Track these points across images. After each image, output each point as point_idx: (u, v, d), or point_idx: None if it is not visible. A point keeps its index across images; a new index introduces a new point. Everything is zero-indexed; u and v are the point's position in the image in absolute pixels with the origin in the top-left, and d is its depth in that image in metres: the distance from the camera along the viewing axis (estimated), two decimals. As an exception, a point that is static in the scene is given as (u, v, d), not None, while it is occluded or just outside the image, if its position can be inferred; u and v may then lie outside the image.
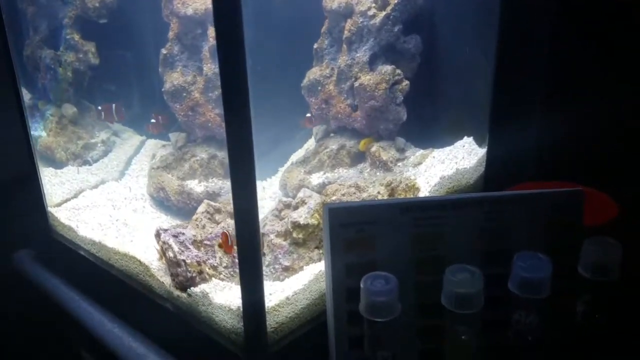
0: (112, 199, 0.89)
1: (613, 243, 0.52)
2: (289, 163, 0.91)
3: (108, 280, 0.74)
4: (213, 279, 0.63)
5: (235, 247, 0.60)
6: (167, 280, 0.69)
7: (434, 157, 0.84)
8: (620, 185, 0.71)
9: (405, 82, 0.79)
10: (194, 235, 0.65)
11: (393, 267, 0.58)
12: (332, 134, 0.86)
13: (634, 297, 0.65)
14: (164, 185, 0.83)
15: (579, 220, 0.59)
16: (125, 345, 0.68)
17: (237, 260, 0.57)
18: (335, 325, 0.58)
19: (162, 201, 0.86)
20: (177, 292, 0.67)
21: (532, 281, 0.50)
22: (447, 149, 0.85)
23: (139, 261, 0.72)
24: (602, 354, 0.55)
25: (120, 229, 0.81)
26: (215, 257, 0.64)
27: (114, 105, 0.93)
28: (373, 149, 0.82)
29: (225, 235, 0.63)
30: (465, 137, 0.86)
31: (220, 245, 0.63)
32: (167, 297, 0.69)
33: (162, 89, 0.85)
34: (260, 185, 0.90)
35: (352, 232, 0.58)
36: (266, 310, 0.60)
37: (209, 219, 0.67)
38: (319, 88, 0.82)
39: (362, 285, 0.49)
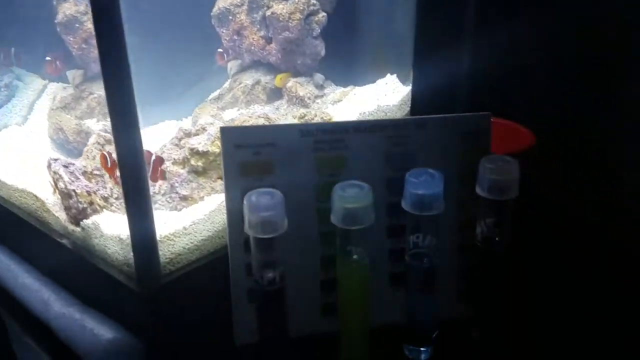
0: (13, 142, 0.84)
1: (509, 160, 0.51)
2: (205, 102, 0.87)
3: (9, 220, 0.70)
4: (104, 210, 0.59)
5: (117, 171, 0.57)
6: (62, 215, 0.64)
7: (354, 94, 0.81)
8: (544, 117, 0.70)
9: (322, 14, 0.76)
10: (84, 166, 0.61)
11: (293, 193, 0.55)
12: (247, 69, 0.82)
13: (534, 217, 0.64)
14: (62, 125, 0.79)
15: (487, 146, 0.58)
16: (19, 282, 0.64)
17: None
18: (231, 252, 0.56)
19: (63, 143, 0.82)
20: (71, 227, 0.63)
21: (424, 198, 0.48)
22: (370, 86, 0.83)
23: (36, 196, 0.68)
24: (500, 277, 0.55)
25: (19, 169, 0.76)
26: (106, 188, 0.60)
27: (12, 49, 0.88)
28: (289, 84, 0.79)
29: (103, 156, 0.59)
30: (389, 75, 0.83)
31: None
32: (63, 232, 0.64)
33: (55, 21, 0.79)
34: (175, 125, 0.86)
35: (249, 155, 0.54)
36: (160, 239, 0.56)
37: (99, 150, 0.63)
38: (230, 18, 0.78)
39: (244, 202, 0.46)
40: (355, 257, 0.49)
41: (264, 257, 0.48)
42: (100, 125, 0.76)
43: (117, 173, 0.56)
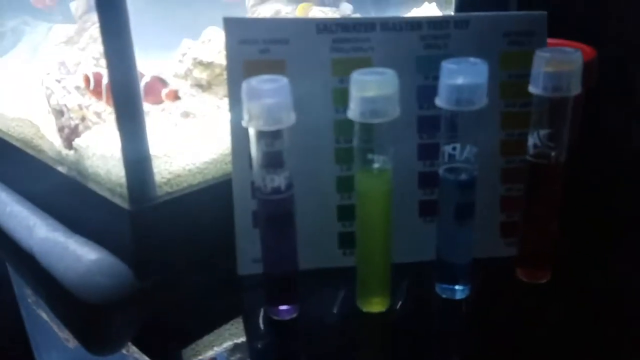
0: (16, 77, 0.79)
1: (570, 50, 0.41)
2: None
3: (6, 152, 0.65)
4: (97, 126, 0.53)
5: (103, 92, 0.50)
6: (57, 140, 0.58)
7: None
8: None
9: None
10: (78, 82, 0.54)
11: (306, 100, 0.47)
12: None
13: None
14: (64, 58, 0.72)
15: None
16: (7, 211, 0.58)
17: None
18: (235, 169, 0.48)
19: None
20: (65, 152, 0.57)
21: (462, 89, 0.39)
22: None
23: (31, 122, 0.62)
24: (553, 200, 0.45)
25: (19, 100, 0.71)
26: (99, 103, 0.53)
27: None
28: (312, 13, 0.71)
29: (86, 78, 0.52)
30: (427, 3, 0.74)
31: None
32: (58, 158, 0.58)
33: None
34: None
35: (256, 52, 0.47)
36: (155, 156, 0.49)
37: (96, 65, 0.56)
38: None
39: (243, 89, 0.38)
40: (377, 165, 0.41)
41: (267, 157, 0.39)
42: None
43: (104, 94, 0.50)
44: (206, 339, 0.45)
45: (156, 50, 0.58)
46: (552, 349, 0.42)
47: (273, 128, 0.38)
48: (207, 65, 0.52)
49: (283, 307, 0.45)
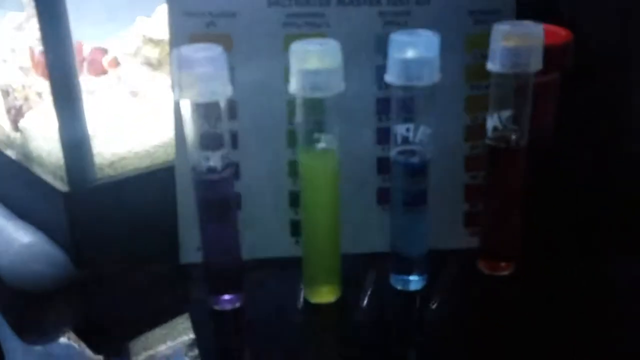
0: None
1: (530, 23, 0.38)
2: None
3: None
4: (39, 107, 0.50)
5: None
6: (7, 124, 0.56)
7: None
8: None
9: None
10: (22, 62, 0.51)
11: (256, 78, 0.44)
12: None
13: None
14: (14, 46, 0.69)
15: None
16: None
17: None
18: (178, 151, 0.45)
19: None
20: (13, 134, 0.54)
21: (411, 63, 0.36)
22: None
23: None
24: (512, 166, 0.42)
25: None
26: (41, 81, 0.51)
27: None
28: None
29: (30, 50, 0.49)
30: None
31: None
32: (7, 141, 0.56)
33: None
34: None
35: (202, 25, 0.44)
36: (98, 139, 0.46)
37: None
38: None
39: (172, 58, 0.35)
40: (322, 145, 0.38)
41: (201, 133, 0.37)
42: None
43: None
44: (157, 332, 0.42)
45: (112, 27, 0.56)
46: (505, 342, 0.39)
47: (206, 100, 0.36)
48: (157, 43, 0.50)
49: (225, 297, 0.42)
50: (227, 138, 0.38)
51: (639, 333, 0.40)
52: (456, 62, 0.46)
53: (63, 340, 0.42)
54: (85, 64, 0.47)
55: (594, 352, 0.38)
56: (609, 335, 0.39)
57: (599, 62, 0.59)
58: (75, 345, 0.41)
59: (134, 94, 0.49)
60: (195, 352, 0.40)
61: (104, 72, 0.47)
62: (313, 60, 0.35)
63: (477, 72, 0.45)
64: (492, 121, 0.41)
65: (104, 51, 0.47)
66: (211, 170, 0.38)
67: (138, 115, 0.49)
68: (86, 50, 0.48)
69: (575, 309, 0.42)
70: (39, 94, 0.49)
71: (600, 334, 0.39)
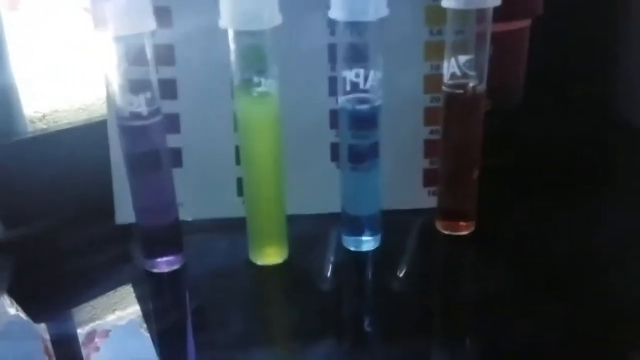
0: None
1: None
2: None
3: None
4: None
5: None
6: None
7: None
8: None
9: None
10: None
11: (197, 18, 0.41)
12: None
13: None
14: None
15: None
16: None
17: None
18: (109, 102, 0.41)
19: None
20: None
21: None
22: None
23: None
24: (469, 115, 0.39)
25: None
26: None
27: None
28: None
29: None
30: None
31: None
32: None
33: None
34: None
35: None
36: (29, 90, 0.43)
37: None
38: None
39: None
40: (261, 88, 0.34)
41: (122, 71, 0.33)
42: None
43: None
44: (103, 300, 0.39)
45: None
46: (463, 303, 0.36)
47: (125, 34, 0.32)
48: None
49: (162, 259, 0.39)
50: (155, 82, 0.34)
51: (595, 286, 0.37)
52: (415, 4, 0.42)
53: (11, 310, 0.39)
54: None
55: (553, 309, 0.35)
56: (564, 295, 0.37)
57: (573, 8, 0.56)
58: (23, 316, 0.38)
59: (70, 43, 0.45)
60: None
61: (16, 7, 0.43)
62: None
63: (437, 15, 0.42)
64: (449, 67, 0.37)
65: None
66: (136, 116, 0.34)
67: (74, 64, 0.45)
68: None
69: (533, 268, 0.39)
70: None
71: (556, 294, 0.37)
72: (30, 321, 0.37)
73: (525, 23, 0.48)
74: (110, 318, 0.37)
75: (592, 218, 0.45)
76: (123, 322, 0.37)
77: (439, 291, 0.38)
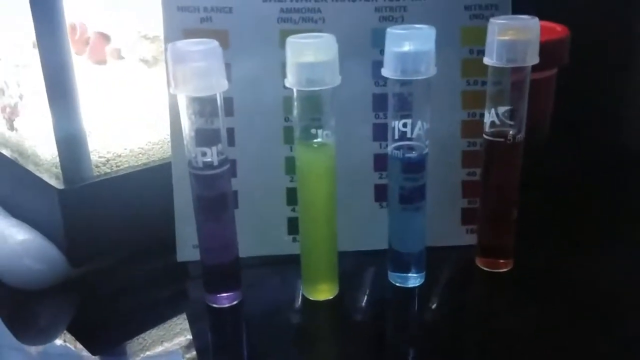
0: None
1: (526, 17, 0.38)
2: None
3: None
4: (34, 104, 0.50)
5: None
6: (1, 122, 0.55)
7: None
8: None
9: None
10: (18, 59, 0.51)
11: (254, 74, 0.44)
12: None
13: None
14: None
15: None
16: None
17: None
18: (174, 148, 0.45)
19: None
20: (8, 133, 0.54)
21: (408, 56, 0.36)
22: None
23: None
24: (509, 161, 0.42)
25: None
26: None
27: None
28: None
29: (72, 26, 0.48)
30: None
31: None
32: (2, 140, 0.55)
33: None
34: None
35: (196, 21, 0.44)
36: (95, 136, 0.46)
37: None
38: None
39: (167, 53, 0.35)
40: (319, 140, 0.38)
41: (198, 127, 0.36)
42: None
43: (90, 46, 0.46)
44: (154, 332, 0.42)
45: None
46: (503, 340, 0.39)
47: (202, 94, 0.35)
48: (154, 40, 0.49)
49: (223, 295, 0.42)
50: (224, 134, 0.38)
51: (635, 327, 0.39)
52: (453, 57, 0.46)
53: (59, 342, 0.42)
54: (88, 48, 0.46)
55: (593, 348, 0.37)
56: (607, 330, 0.39)
57: (595, 57, 0.60)
58: (71, 346, 0.41)
59: (130, 92, 0.49)
60: (193, 353, 0.39)
61: (104, 61, 0.47)
62: (309, 54, 0.35)
63: (473, 67, 0.45)
64: (489, 116, 0.41)
65: (107, 38, 0.47)
66: (208, 165, 0.37)
67: (133, 113, 0.49)
68: (89, 33, 0.47)
69: (572, 306, 0.41)
70: (35, 92, 0.49)
71: (599, 330, 0.39)
72: (79, 353, 0.40)
73: (552, 71, 0.51)
74: (166, 351, 0.39)
75: (623, 252, 0.47)
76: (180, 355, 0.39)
77: (479, 325, 0.41)
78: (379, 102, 0.46)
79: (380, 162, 0.46)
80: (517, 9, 0.45)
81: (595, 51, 0.60)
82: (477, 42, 0.45)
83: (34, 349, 0.41)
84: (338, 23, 0.44)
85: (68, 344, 0.41)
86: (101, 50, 0.47)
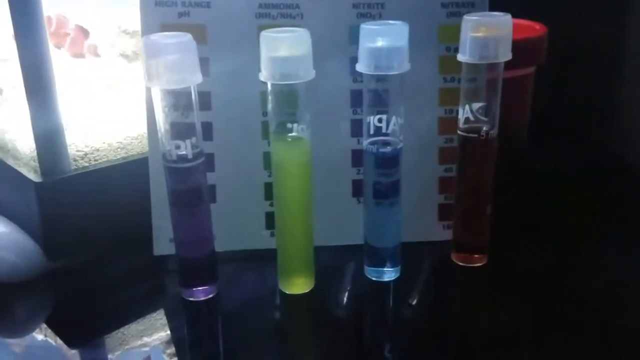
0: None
1: (498, 14, 0.39)
2: None
3: None
4: (14, 99, 0.50)
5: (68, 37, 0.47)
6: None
7: None
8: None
9: None
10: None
11: (231, 68, 0.44)
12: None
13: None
14: None
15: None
16: None
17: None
18: (150, 142, 0.45)
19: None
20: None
21: (381, 51, 0.36)
22: None
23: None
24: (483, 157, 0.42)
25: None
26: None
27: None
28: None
29: (48, 19, 0.48)
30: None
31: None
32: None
33: None
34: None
35: (174, 15, 0.44)
36: (73, 130, 0.46)
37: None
38: None
39: (142, 46, 0.35)
40: (294, 134, 0.38)
41: (172, 119, 0.36)
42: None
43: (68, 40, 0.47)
44: (133, 327, 0.42)
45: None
46: (477, 332, 0.39)
47: (176, 87, 0.36)
48: (133, 35, 0.49)
49: (199, 288, 0.42)
50: (198, 127, 0.38)
51: (605, 319, 0.40)
52: (430, 55, 0.46)
53: (40, 337, 0.42)
54: (67, 40, 0.46)
55: (565, 341, 0.38)
56: (578, 323, 0.40)
57: (573, 55, 0.60)
58: (52, 341, 0.41)
59: (110, 86, 0.49)
60: (172, 349, 0.39)
61: (82, 54, 0.47)
62: (283, 48, 0.35)
63: (450, 64, 0.46)
64: (464, 112, 0.41)
65: (86, 33, 0.47)
66: (182, 158, 0.38)
67: (113, 107, 0.49)
68: (70, 26, 0.47)
69: (543, 300, 0.42)
70: (14, 86, 0.49)
71: (570, 323, 0.40)
72: (59, 347, 0.40)
73: (530, 69, 0.52)
74: (146, 346, 0.40)
75: (597, 249, 0.48)
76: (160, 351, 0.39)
77: (454, 320, 0.41)
78: (357, 98, 0.46)
79: (358, 157, 0.46)
80: (494, 8, 0.46)
81: (575, 50, 0.60)
82: (454, 39, 0.45)
83: (17, 347, 0.41)
84: (316, 19, 0.45)
85: (49, 339, 0.41)
86: (80, 44, 0.47)
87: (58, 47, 0.47)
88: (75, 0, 0.48)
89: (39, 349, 0.40)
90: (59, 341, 0.41)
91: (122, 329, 0.41)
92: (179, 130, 0.37)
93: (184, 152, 0.37)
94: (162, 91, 0.36)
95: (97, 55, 0.47)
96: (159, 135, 0.38)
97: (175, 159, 0.38)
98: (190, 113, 0.37)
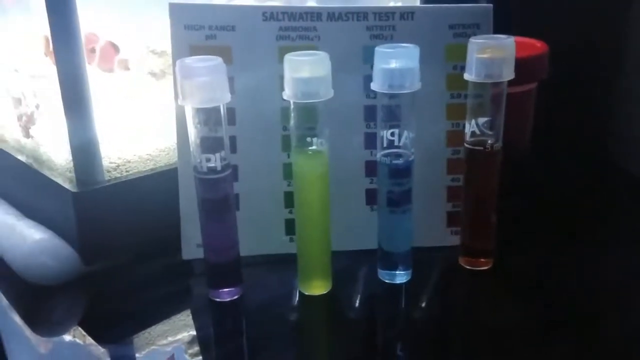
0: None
1: (502, 36, 0.42)
2: None
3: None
4: (50, 113, 0.53)
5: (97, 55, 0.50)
6: (18, 130, 0.59)
7: None
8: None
9: None
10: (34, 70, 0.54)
11: (255, 86, 0.48)
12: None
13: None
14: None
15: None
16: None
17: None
18: (180, 152, 0.48)
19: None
20: (24, 140, 0.57)
21: (394, 72, 0.40)
22: None
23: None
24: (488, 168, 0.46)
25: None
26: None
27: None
28: None
29: (46, 39, 0.52)
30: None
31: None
32: (18, 146, 0.59)
33: None
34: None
35: (201, 38, 0.47)
36: (107, 144, 0.50)
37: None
38: None
39: (176, 68, 0.39)
40: (313, 147, 0.41)
41: (203, 135, 0.40)
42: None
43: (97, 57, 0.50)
44: (159, 327, 0.45)
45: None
46: (484, 332, 0.42)
47: (207, 106, 0.39)
48: (161, 55, 0.53)
49: (224, 290, 0.45)
50: (226, 141, 0.41)
51: (615, 324, 0.43)
52: (438, 73, 0.49)
53: (68, 338, 0.45)
54: (97, 56, 0.49)
55: (574, 343, 0.41)
56: (587, 326, 0.42)
57: (574, 72, 0.64)
58: (80, 342, 0.44)
59: (139, 101, 0.53)
60: (196, 348, 0.42)
61: (112, 69, 0.51)
62: (305, 70, 0.39)
63: (457, 81, 0.49)
64: (470, 127, 0.44)
65: (117, 49, 0.50)
66: (212, 170, 0.41)
67: (142, 121, 0.53)
68: (100, 43, 0.50)
69: (547, 302, 0.45)
70: (51, 101, 0.53)
71: (578, 325, 0.42)
72: (86, 346, 0.43)
73: (532, 85, 0.55)
74: (170, 345, 0.42)
75: (596, 254, 0.51)
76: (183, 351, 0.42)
77: (462, 318, 0.44)
78: (370, 113, 0.49)
79: (371, 168, 0.50)
80: (498, 27, 0.49)
81: (575, 66, 0.63)
82: (460, 58, 0.48)
83: (43, 347, 0.44)
84: (332, 41, 0.48)
85: (77, 339, 0.44)
86: (111, 60, 0.51)
87: (89, 62, 0.50)
88: (105, 21, 0.52)
89: (66, 349, 0.44)
90: (88, 340, 0.44)
91: (149, 329, 0.44)
92: (209, 144, 0.41)
93: (213, 165, 0.41)
94: (194, 109, 0.40)
95: (127, 68, 0.51)
96: (191, 148, 0.41)
97: (206, 171, 0.41)
98: (219, 128, 0.41)
